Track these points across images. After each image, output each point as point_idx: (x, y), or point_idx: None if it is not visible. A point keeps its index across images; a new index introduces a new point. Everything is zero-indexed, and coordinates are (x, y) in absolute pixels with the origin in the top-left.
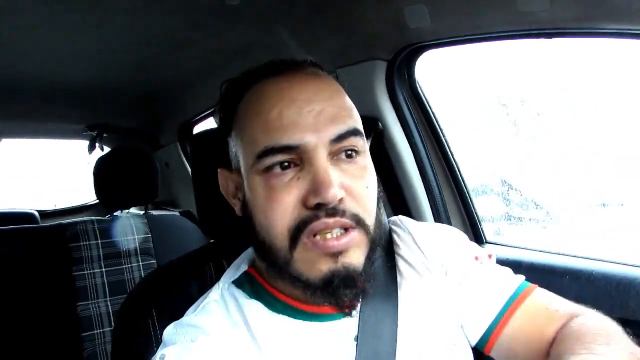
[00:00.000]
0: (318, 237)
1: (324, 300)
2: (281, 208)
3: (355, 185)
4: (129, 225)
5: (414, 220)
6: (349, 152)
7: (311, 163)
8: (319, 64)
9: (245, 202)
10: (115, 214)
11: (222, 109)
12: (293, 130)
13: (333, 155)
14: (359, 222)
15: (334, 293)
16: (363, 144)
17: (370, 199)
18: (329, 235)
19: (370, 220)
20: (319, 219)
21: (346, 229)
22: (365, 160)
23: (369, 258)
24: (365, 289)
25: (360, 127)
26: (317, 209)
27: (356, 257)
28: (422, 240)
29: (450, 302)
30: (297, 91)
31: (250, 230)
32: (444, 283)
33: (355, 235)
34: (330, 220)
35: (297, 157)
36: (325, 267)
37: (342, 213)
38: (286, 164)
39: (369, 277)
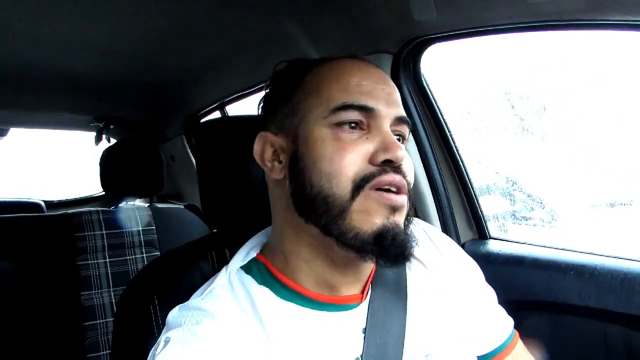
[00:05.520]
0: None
1: (368, 257)
2: (349, 157)
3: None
4: (134, 217)
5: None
6: (398, 137)
7: (379, 127)
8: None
9: (296, 157)
10: (120, 205)
11: (282, 78)
12: (369, 97)
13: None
14: (408, 189)
15: (384, 247)
16: (407, 134)
17: (412, 176)
18: (391, 190)
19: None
20: (387, 173)
21: (399, 192)
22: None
23: (404, 225)
24: (411, 246)
25: None
26: (383, 165)
27: (401, 219)
28: (437, 238)
29: (456, 301)
30: (372, 70)
31: (298, 185)
32: (454, 280)
33: (406, 198)
34: (397, 177)
35: (366, 122)
36: (379, 220)
37: (404, 174)
38: (354, 124)
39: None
